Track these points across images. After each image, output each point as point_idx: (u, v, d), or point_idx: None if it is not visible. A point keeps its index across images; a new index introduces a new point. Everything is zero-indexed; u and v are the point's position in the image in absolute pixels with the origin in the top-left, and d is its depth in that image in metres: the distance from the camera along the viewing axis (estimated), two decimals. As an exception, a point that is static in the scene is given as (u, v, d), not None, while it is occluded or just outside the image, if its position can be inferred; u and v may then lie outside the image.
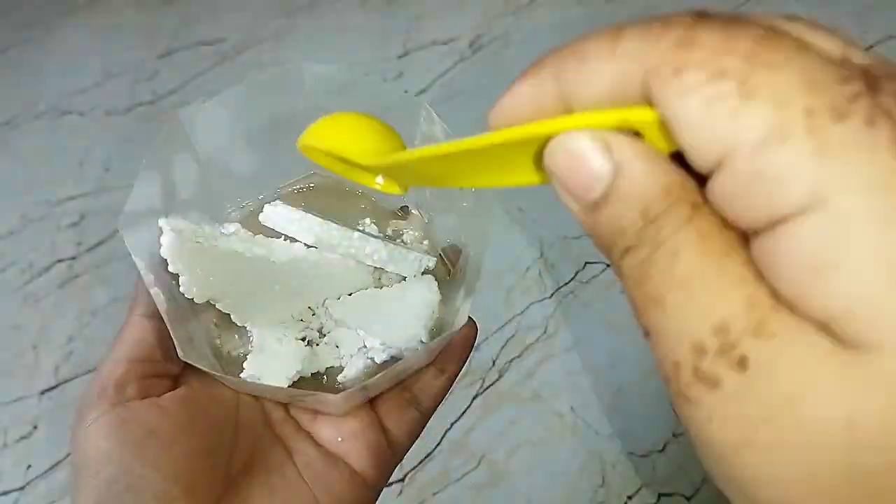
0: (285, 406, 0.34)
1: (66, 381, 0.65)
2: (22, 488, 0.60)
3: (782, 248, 0.12)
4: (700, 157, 0.13)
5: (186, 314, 0.34)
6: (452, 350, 0.35)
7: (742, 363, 0.12)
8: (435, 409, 0.35)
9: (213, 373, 0.30)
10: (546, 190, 0.17)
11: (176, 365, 0.31)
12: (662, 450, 0.63)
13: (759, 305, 0.12)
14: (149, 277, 0.31)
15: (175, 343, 0.29)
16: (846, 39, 0.13)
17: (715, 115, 0.12)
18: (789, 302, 0.12)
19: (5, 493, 0.60)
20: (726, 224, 0.13)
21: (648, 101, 0.13)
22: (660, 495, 0.62)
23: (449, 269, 0.39)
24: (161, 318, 0.30)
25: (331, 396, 0.29)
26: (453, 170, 0.19)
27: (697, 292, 0.13)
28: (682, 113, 0.13)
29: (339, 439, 0.32)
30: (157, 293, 0.30)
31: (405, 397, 0.34)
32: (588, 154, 0.14)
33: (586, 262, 0.72)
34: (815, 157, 0.11)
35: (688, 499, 0.61)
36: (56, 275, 0.71)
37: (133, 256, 0.29)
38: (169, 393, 0.30)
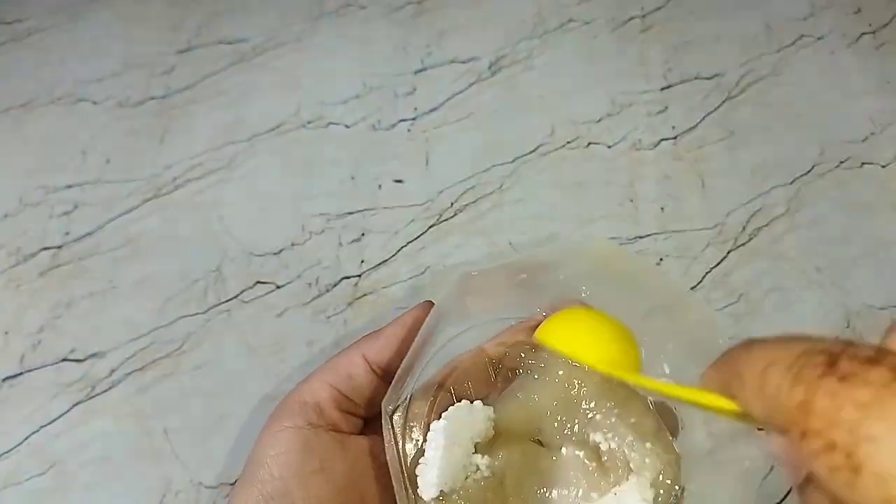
0: None
1: (28, 371, 0.66)
2: (-30, 473, 0.61)
3: None
4: None
5: None
6: None
7: None
8: None
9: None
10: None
11: (369, 411, 0.32)
12: None
13: None
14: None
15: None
16: None
17: (835, 482, 0.13)
18: None
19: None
20: None
21: None
22: None
23: None
24: (374, 371, 0.31)
25: None
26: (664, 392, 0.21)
27: None
28: (815, 472, 0.14)
29: None
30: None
31: None
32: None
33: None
34: None
35: None
36: (40, 262, 0.72)
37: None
38: (357, 436, 0.31)
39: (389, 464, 0.29)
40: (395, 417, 0.31)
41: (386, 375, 0.31)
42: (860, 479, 0.13)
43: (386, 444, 0.29)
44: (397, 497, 0.28)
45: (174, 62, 0.89)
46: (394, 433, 0.30)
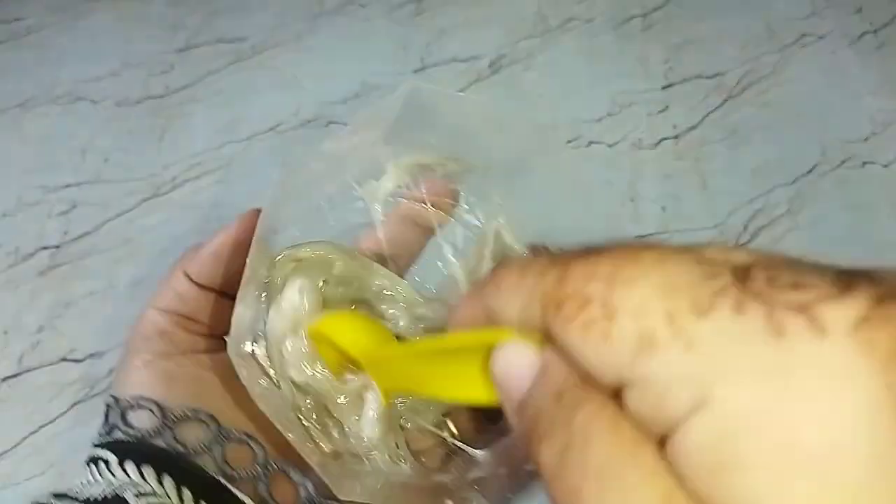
0: None
1: (28, 371, 0.65)
2: (-30, 474, 0.61)
3: (683, 450, 0.12)
4: (602, 378, 0.13)
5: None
6: None
7: None
8: None
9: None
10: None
11: (214, 328, 0.28)
12: None
13: (676, 502, 0.12)
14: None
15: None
16: (727, 247, 0.14)
17: (592, 341, 0.13)
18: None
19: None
20: (641, 426, 0.13)
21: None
22: None
23: None
24: (208, 288, 0.28)
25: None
26: (424, 373, 0.21)
27: (612, 484, 0.12)
28: (570, 345, 0.13)
29: None
30: None
31: None
32: (522, 351, 0.15)
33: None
34: (685, 357, 0.11)
35: None
36: (38, 262, 0.72)
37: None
38: (215, 355, 0.28)
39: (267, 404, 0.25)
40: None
41: (214, 288, 0.28)
42: (615, 325, 0.12)
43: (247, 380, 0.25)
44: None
45: (173, 61, 0.89)
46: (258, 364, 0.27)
